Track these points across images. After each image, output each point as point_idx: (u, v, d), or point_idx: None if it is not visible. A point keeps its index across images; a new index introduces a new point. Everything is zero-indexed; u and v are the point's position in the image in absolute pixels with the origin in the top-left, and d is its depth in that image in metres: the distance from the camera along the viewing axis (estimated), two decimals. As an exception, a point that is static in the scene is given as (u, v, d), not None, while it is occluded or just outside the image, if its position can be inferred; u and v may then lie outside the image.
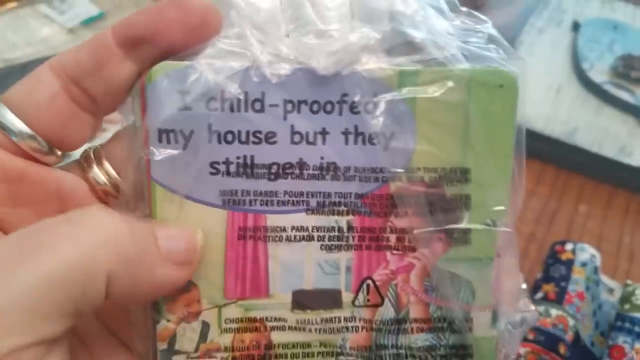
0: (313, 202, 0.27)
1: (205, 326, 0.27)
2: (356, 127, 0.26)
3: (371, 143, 0.26)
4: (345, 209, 0.27)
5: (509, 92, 0.27)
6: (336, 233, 0.27)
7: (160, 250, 0.24)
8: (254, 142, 0.26)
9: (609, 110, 0.73)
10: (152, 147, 0.25)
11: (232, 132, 0.26)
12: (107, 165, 0.27)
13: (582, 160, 0.69)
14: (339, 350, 0.28)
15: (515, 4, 0.86)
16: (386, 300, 0.28)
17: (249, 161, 0.26)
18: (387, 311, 0.28)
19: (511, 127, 0.27)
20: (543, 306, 0.50)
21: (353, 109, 0.26)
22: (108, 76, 0.25)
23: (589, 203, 0.67)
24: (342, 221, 0.27)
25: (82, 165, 0.27)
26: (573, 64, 0.78)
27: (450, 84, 0.26)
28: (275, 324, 0.28)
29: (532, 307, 0.26)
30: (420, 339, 0.29)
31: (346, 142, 0.26)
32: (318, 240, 0.27)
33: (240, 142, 0.26)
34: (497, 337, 0.29)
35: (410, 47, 0.26)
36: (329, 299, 0.28)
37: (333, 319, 0.28)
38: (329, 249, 0.27)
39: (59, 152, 0.27)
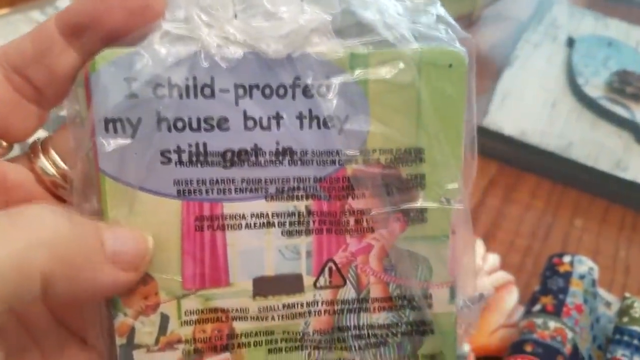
0: (272, 189, 0.27)
1: (165, 318, 0.27)
2: (310, 111, 0.26)
3: (326, 126, 0.26)
4: (304, 193, 0.27)
5: (458, 71, 0.27)
6: (296, 218, 0.27)
7: (106, 251, 0.24)
8: (205, 129, 0.26)
9: (604, 125, 0.74)
10: (99, 138, 0.25)
11: (182, 119, 0.25)
12: (54, 155, 0.27)
13: (577, 174, 0.69)
14: (302, 335, 0.28)
15: (510, 20, 0.86)
16: (347, 281, 0.28)
17: (201, 149, 0.26)
18: (348, 292, 0.28)
19: (461, 105, 0.27)
20: (541, 318, 0.49)
21: (306, 92, 0.26)
22: (51, 65, 0.25)
23: (585, 217, 0.67)
24: (301, 206, 0.27)
25: (29, 156, 0.27)
26: (568, 78, 0.78)
27: (401, 65, 0.26)
28: (237, 313, 0.27)
29: (489, 285, 0.26)
30: (381, 318, 0.29)
31: (301, 126, 0.26)
32: (278, 227, 0.27)
33: (191, 129, 0.25)
34: (456, 313, 0.29)
35: (360, 28, 0.26)
36: (291, 283, 0.28)
37: (295, 304, 0.28)
38: (289, 234, 0.27)
39: (4, 144, 0.26)
